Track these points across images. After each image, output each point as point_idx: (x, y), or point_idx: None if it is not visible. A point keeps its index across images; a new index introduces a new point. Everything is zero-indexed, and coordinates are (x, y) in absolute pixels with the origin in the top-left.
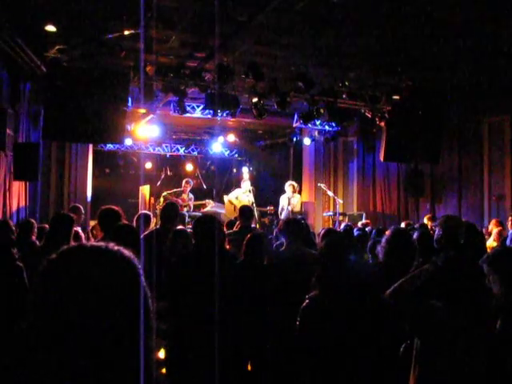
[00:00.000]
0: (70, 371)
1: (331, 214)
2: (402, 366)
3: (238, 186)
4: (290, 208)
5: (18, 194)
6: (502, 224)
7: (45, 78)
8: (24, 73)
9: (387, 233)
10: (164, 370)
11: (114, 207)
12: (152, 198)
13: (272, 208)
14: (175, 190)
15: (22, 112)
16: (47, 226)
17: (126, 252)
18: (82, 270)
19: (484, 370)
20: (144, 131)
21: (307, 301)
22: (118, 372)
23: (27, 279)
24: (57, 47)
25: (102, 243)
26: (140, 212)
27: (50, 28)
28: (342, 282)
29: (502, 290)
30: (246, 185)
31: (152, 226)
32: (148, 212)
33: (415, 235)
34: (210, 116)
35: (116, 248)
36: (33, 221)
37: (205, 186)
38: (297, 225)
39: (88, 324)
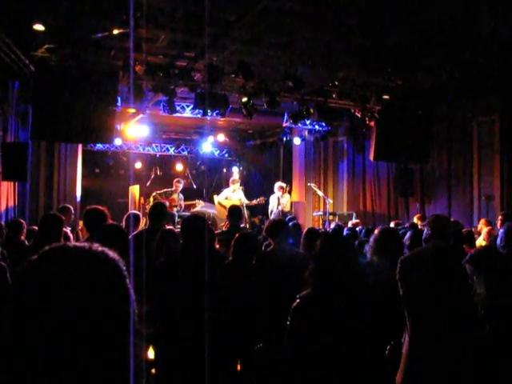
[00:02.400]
0: (49, 376)
1: (321, 213)
2: (389, 364)
3: (228, 185)
4: (280, 208)
5: (7, 195)
6: (490, 223)
7: (33, 77)
8: (12, 72)
9: (375, 232)
10: (153, 371)
11: (99, 207)
12: (142, 198)
13: (262, 198)
14: (166, 189)
15: (11, 111)
16: (36, 227)
17: (111, 253)
18: (63, 270)
19: (471, 369)
20: (134, 131)
21: (298, 300)
22: (99, 376)
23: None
24: (45, 46)
25: (85, 243)
26: (129, 212)
27: (39, 27)
28: (337, 282)
29: (488, 290)
30: (236, 184)
31: (142, 226)
32: (137, 212)
33: (408, 235)
34: (199, 116)
35: (100, 249)
36: (22, 221)
37: (195, 186)
38: (282, 225)
39: (68, 327)
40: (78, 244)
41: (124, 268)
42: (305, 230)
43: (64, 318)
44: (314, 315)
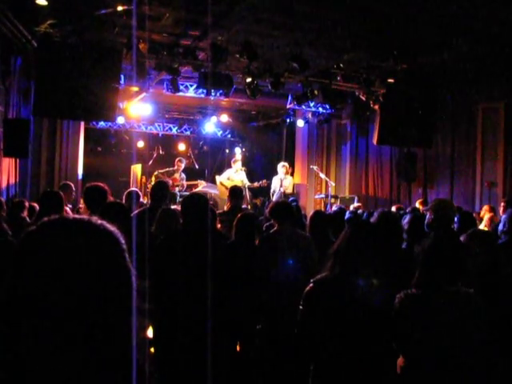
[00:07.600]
0: (47, 352)
1: (323, 196)
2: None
3: (231, 166)
4: (282, 189)
5: (8, 171)
6: (493, 210)
7: (36, 53)
8: (15, 47)
9: (374, 216)
10: (152, 350)
11: (100, 184)
12: (143, 177)
13: (265, 181)
14: (167, 169)
15: (13, 87)
16: (37, 204)
17: (110, 226)
18: (62, 241)
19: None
20: (136, 109)
21: (312, 285)
22: (97, 350)
23: None
24: (48, 22)
25: (85, 216)
26: (130, 189)
27: (41, 2)
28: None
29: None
30: (238, 165)
31: None
32: (137, 189)
33: (407, 219)
34: (203, 95)
35: (99, 222)
36: (24, 199)
37: (197, 166)
38: (287, 207)
39: (65, 299)
40: (76, 216)
41: (123, 241)
42: (311, 213)
43: (61, 289)
44: (332, 300)
